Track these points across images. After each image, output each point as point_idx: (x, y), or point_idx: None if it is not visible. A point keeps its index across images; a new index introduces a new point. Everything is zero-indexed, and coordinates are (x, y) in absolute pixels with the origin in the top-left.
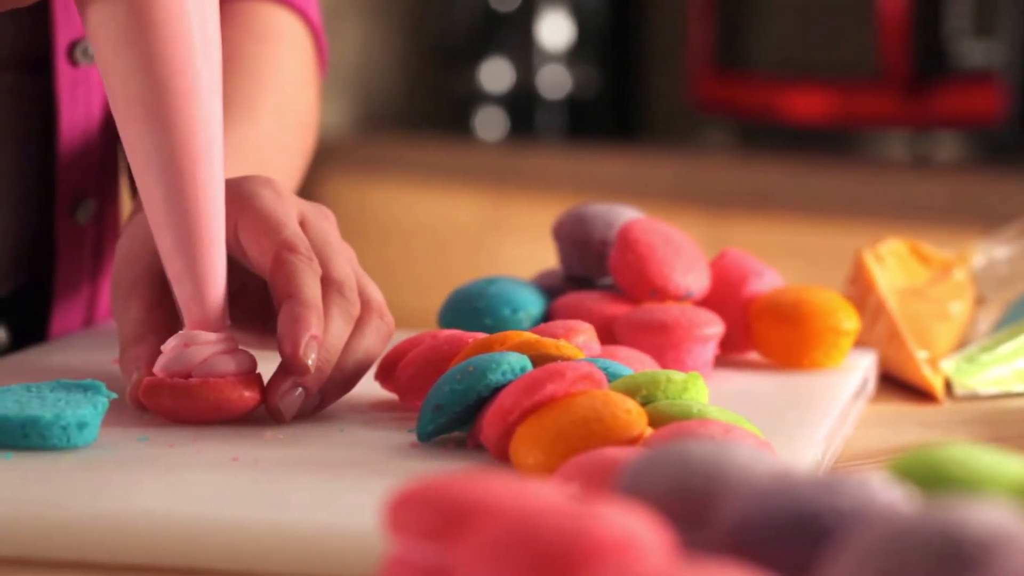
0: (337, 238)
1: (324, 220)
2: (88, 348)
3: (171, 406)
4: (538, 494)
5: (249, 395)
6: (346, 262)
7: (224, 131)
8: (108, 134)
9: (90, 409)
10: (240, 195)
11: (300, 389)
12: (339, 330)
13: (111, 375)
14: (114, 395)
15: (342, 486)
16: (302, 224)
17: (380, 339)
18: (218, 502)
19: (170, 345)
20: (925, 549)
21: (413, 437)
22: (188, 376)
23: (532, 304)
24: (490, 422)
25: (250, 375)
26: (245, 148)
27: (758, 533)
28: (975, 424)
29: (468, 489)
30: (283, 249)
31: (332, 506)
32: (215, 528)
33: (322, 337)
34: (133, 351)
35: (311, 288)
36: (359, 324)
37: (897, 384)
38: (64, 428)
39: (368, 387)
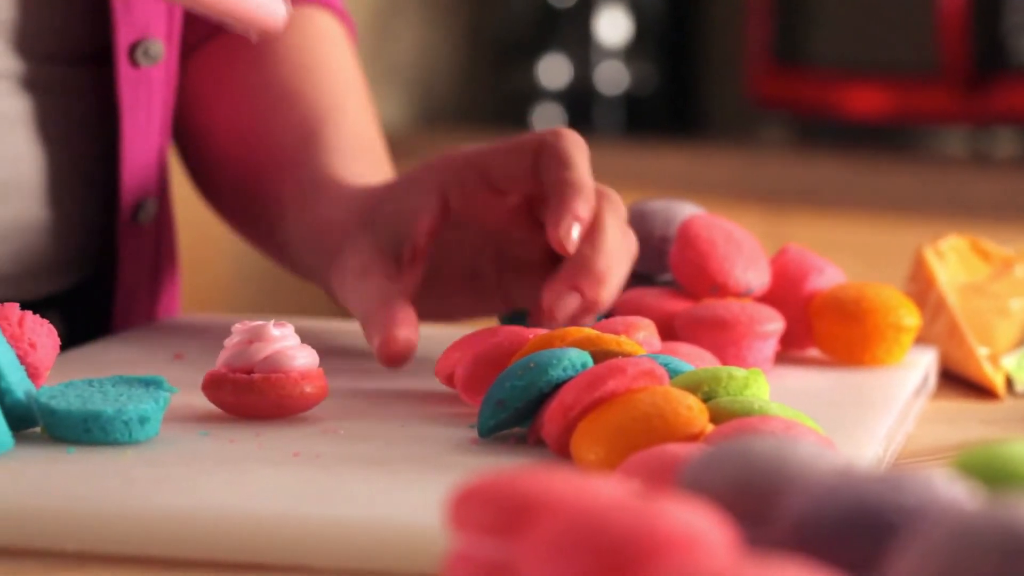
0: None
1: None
2: (149, 343)
3: (233, 401)
4: (601, 490)
5: (311, 391)
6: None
7: (332, 127)
8: (166, 135)
9: (152, 404)
10: (460, 151)
11: (577, 294)
12: (615, 236)
13: (172, 370)
14: (176, 390)
15: (403, 481)
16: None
17: (621, 226)
18: (279, 497)
19: (233, 341)
20: (989, 546)
21: (474, 433)
22: (251, 372)
23: None
24: (551, 418)
25: (312, 371)
26: (360, 136)
27: (822, 529)
28: None
29: (531, 485)
30: (549, 135)
31: (394, 501)
32: (276, 523)
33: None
34: (381, 315)
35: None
36: (599, 215)
37: (958, 380)
38: (126, 423)
39: (428, 383)
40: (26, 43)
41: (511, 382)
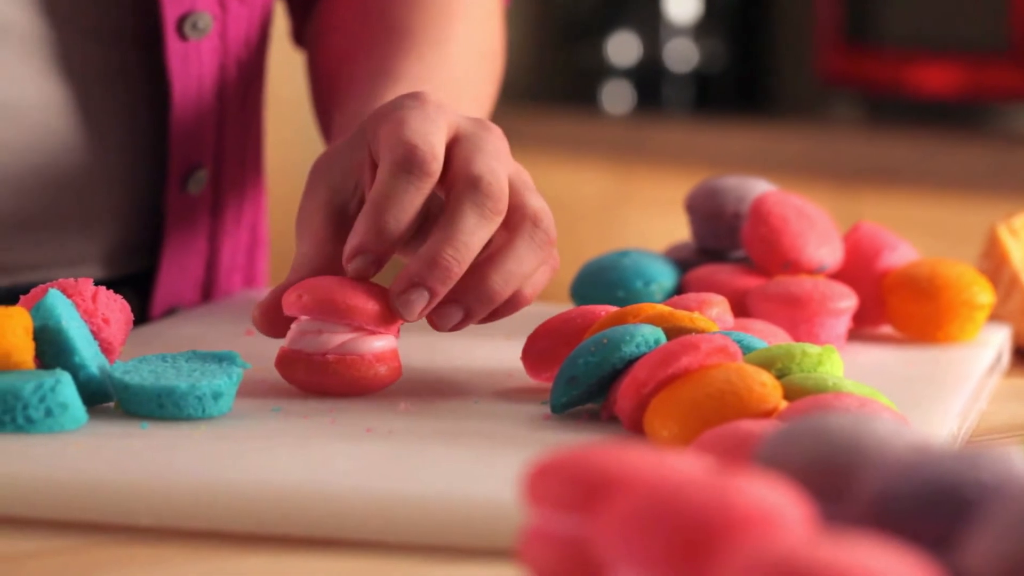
0: (494, 146)
1: (483, 130)
2: (223, 318)
3: (305, 380)
4: (677, 466)
5: (385, 372)
6: (495, 163)
7: (414, 60)
8: (221, 103)
9: (225, 379)
10: (384, 111)
11: (424, 290)
12: (469, 226)
13: (244, 346)
14: (248, 365)
15: (477, 457)
16: (455, 137)
17: (534, 250)
18: (353, 473)
19: (304, 328)
20: None
21: (546, 409)
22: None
23: (665, 276)
24: (624, 394)
25: (387, 351)
26: (434, 77)
27: (899, 506)
28: None
29: (607, 460)
30: (388, 151)
31: (468, 477)
32: (350, 499)
33: (373, 244)
34: (286, 281)
35: (390, 188)
36: (511, 234)
37: None
38: (199, 398)
39: (500, 359)
40: (70, 18)
41: (584, 358)
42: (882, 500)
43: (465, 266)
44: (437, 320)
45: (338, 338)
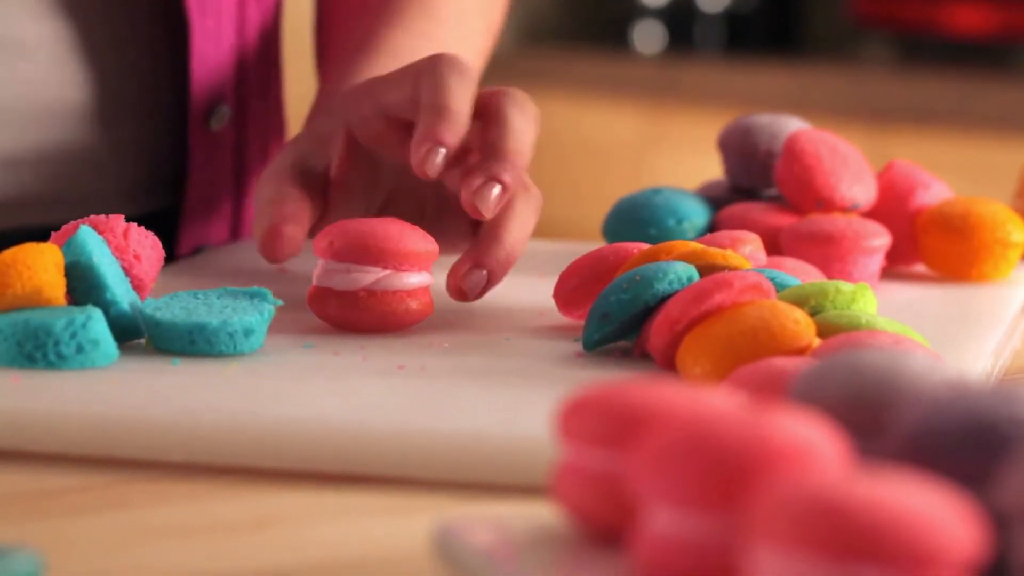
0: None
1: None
2: (254, 256)
3: (337, 315)
4: (711, 402)
5: (416, 307)
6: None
7: (398, 31)
8: (241, 38)
9: (256, 316)
10: (360, 87)
11: (484, 271)
12: (520, 125)
13: (275, 283)
14: (280, 302)
15: (510, 394)
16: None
17: (531, 210)
18: (386, 409)
19: (331, 267)
20: None
21: (578, 346)
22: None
23: (697, 215)
24: (657, 331)
25: (419, 287)
26: (418, 48)
27: (935, 442)
28: None
29: (641, 396)
30: (428, 63)
31: (500, 414)
32: (383, 435)
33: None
34: (268, 208)
35: (445, 82)
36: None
37: None
38: (231, 335)
39: (531, 297)
40: None
41: (616, 296)
42: (917, 436)
43: (526, 159)
44: (466, 287)
45: (369, 276)
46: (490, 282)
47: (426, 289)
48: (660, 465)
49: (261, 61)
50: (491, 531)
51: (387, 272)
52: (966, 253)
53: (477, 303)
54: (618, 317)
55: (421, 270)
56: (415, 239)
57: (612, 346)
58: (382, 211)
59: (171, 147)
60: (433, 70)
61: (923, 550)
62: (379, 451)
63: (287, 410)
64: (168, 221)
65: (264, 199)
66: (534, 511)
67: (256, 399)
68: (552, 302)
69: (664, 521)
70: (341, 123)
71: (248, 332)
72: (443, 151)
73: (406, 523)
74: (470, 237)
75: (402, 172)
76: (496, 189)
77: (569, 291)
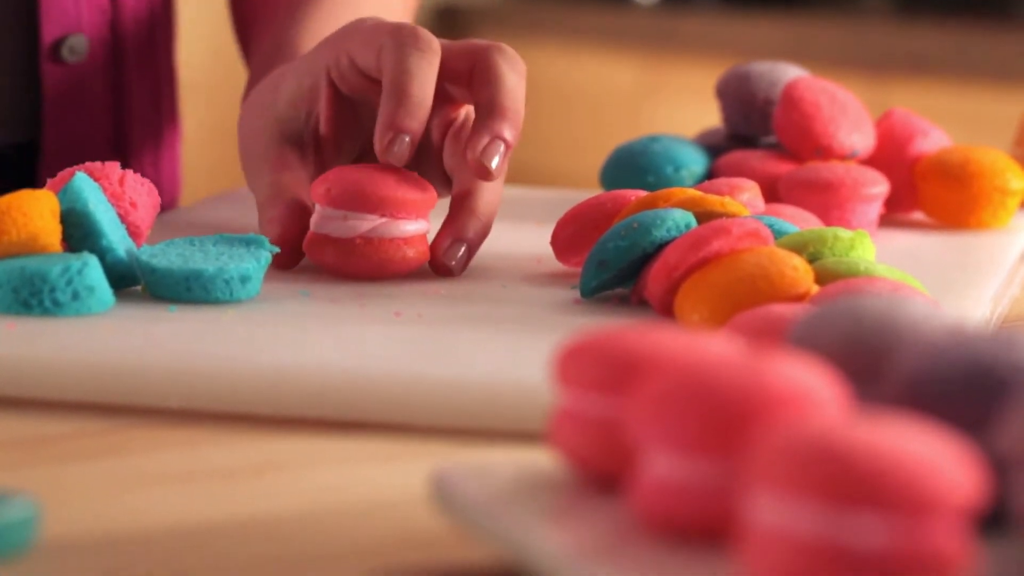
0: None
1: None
2: (251, 204)
3: (334, 262)
4: (710, 347)
5: (413, 256)
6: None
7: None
8: None
9: (253, 263)
10: (337, 35)
11: (464, 245)
12: (512, 80)
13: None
14: (276, 249)
15: (507, 341)
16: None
17: (502, 171)
18: (383, 356)
19: (328, 214)
20: None
21: (575, 294)
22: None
23: (695, 162)
24: (655, 278)
25: (416, 235)
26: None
27: (934, 387)
28: None
29: (639, 342)
30: (390, 36)
31: (497, 360)
32: (381, 382)
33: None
34: (268, 212)
35: (406, 65)
36: None
37: None
38: (227, 281)
39: (528, 244)
40: None
41: (614, 242)
42: (916, 381)
43: (522, 117)
44: (449, 263)
45: (366, 224)
46: (470, 254)
47: (423, 237)
48: (658, 410)
49: None
50: (488, 478)
51: (384, 220)
52: (965, 201)
53: None
54: (615, 264)
55: (418, 218)
56: (412, 187)
57: (609, 293)
58: (361, 157)
59: (25, 79)
60: (395, 47)
61: (923, 495)
62: (376, 398)
63: (284, 357)
64: (29, 155)
65: (265, 182)
66: (532, 458)
67: (253, 346)
68: (549, 249)
69: (662, 466)
70: (323, 77)
71: (244, 279)
72: (407, 139)
73: (403, 470)
74: (448, 184)
75: None
76: (500, 149)
77: (566, 238)
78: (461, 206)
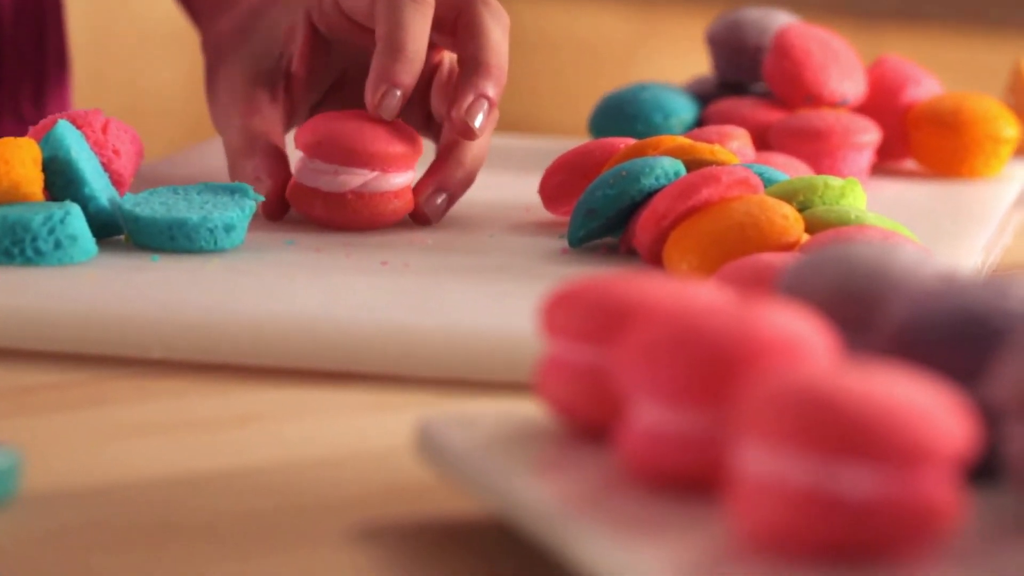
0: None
1: None
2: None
3: (324, 216)
4: (699, 295)
5: (400, 206)
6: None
7: None
8: None
9: (237, 212)
10: None
11: (445, 194)
12: (497, 35)
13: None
14: (261, 197)
15: (494, 290)
16: None
17: (489, 123)
18: (369, 306)
19: (317, 167)
20: None
21: (563, 243)
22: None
23: (684, 110)
24: (643, 227)
25: (404, 187)
26: None
27: (925, 335)
28: None
29: (627, 290)
30: None
31: (485, 310)
32: (367, 331)
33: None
34: (249, 162)
35: (399, 16)
36: None
37: None
38: (211, 230)
39: (516, 193)
40: None
41: (602, 191)
42: (907, 329)
43: (505, 73)
44: (428, 211)
45: (357, 179)
46: (450, 203)
47: (409, 187)
48: (647, 358)
49: None
50: (473, 428)
51: (375, 174)
52: (957, 149)
53: (462, 200)
54: (604, 213)
55: (407, 170)
56: (403, 140)
57: (598, 242)
58: (332, 92)
59: None
60: (473, 11)
61: (913, 445)
62: (362, 348)
63: (269, 307)
64: None
65: (236, 127)
66: (519, 408)
67: (237, 296)
68: (537, 198)
69: (650, 416)
70: (303, 16)
71: (229, 228)
72: (399, 93)
73: (390, 420)
74: (428, 127)
75: (356, 57)
76: (484, 107)
77: (554, 187)
78: (448, 156)
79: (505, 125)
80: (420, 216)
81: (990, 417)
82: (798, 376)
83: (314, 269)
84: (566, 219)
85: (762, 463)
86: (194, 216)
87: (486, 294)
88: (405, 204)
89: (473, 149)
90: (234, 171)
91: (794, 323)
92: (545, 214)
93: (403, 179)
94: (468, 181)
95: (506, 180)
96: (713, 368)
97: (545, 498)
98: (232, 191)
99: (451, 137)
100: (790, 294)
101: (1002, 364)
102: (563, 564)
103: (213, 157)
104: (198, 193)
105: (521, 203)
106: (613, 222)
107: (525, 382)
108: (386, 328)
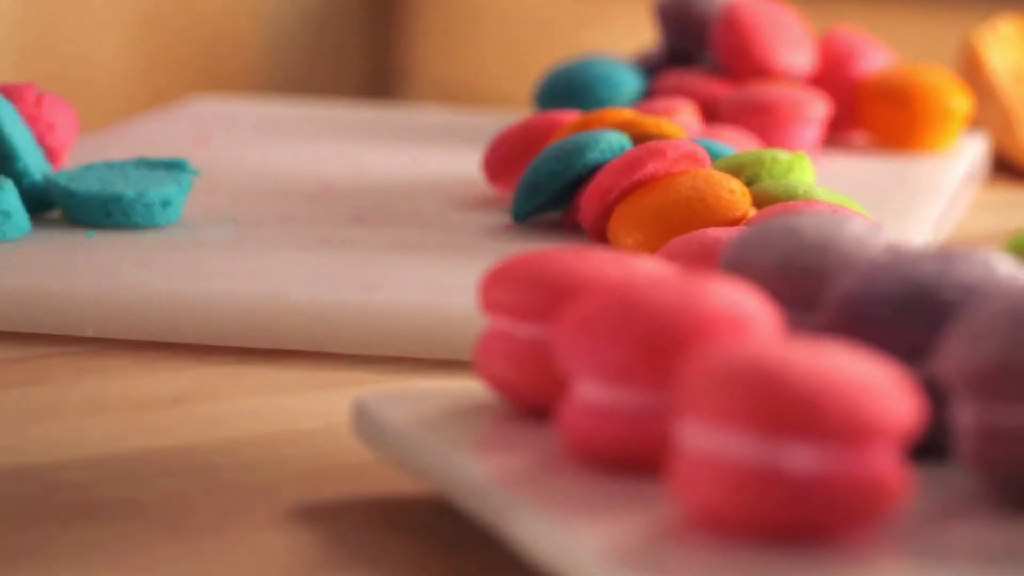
0: None
1: None
2: (174, 125)
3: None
4: (641, 271)
5: None
6: None
7: None
8: None
9: (174, 187)
10: None
11: None
12: None
13: (194, 153)
14: (198, 172)
15: (436, 267)
16: None
17: None
18: (309, 283)
19: None
20: None
21: (507, 218)
22: None
23: (631, 83)
24: (588, 202)
25: None
26: None
27: (872, 309)
28: None
29: (567, 265)
30: None
31: (426, 287)
32: (307, 308)
33: None
34: None
35: None
36: None
37: (1009, 170)
38: (147, 206)
39: (458, 168)
40: None
41: (547, 165)
42: (852, 302)
43: None
44: None
45: None
46: None
47: None
48: (586, 335)
49: None
50: (410, 406)
51: None
52: (908, 122)
53: (401, 173)
54: (548, 187)
55: None
56: None
57: (542, 217)
58: None
59: None
60: None
61: (858, 422)
62: (301, 325)
63: (206, 284)
64: None
65: None
66: (459, 386)
67: (174, 272)
68: (480, 173)
69: (591, 393)
70: None
71: (166, 203)
72: None
73: (328, 399)
74: None
75: None
76: None
77: (498, 161)
78: None
79: (449, 96)
80: None
81: (937, 393)
82: (740, 352)
83: (253, 245)
84: (509, 194)
85: (703, 440)
86: (130, 191)
87: (427, 270)
88: None
89: None
90: None
91: (738, 298)
92: (488, 189)
93: None
94: None
95: (449, 154)
96: (654, 342)
97: (483, 476)
98: (169, 166)
99: None
100: (734, 269)
101: (949, 340)
102: (502, 543)
103: (150, 131)
104: (135, 168)
105: (463, 177)
106: (557, 197)
107: (466, 360)
108: (325, 305)
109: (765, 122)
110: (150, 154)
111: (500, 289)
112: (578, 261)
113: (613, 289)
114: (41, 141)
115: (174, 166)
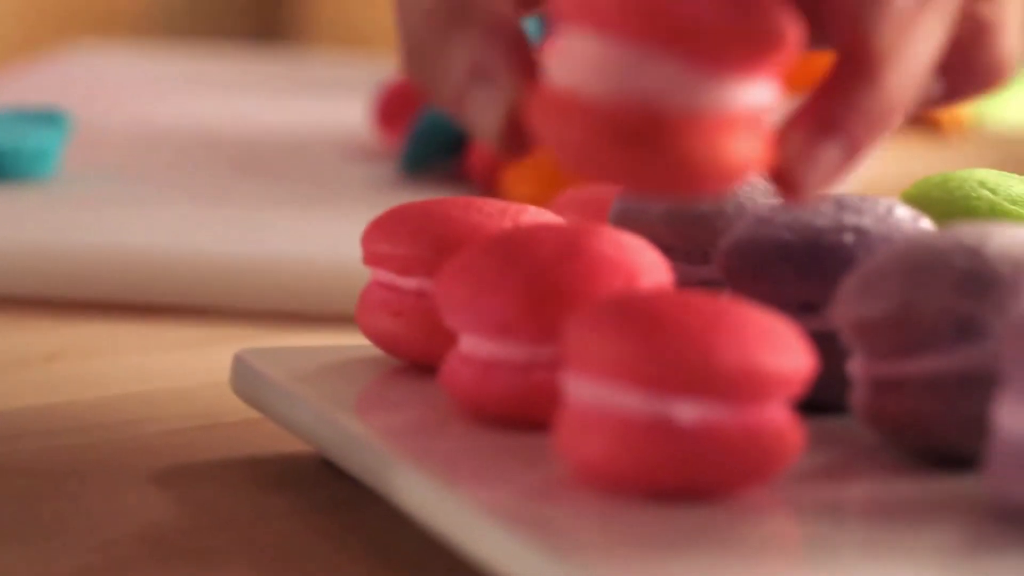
0: None
1: None
2: (49, 77)
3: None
4: (529, 220)
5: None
6: None
7: None
8: None
9: (49, 138)
10: None
11: (840, 142)
12: None
13: (75, 103)
14: (74, 123)
15: (320, 219)
16: None
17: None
18: (193, 236)
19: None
20: (950, 265)
21: (396, 169)
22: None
23: (530, 25)
24: (478, 152)
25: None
26: None
27: (764, 255)
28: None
29: (452, 215)
30: None
31: (310, 239)
32: (192, 262)
33: None
34: (463, 39)
35: None
36: None
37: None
38: (21, 158)
39: (345, 119)
40: None
41: (437, 115)
42: (743, 247)
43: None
44: (805, 173)
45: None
46: (851, 158)
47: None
48: (466, 288)
49: None
50: (290, 362)
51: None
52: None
53: (288, 123)
54: (438, 138)
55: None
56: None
57: (432, 168)
58: None
59: None
60: None
61: (748, 376)
62: (182, 279)
63: (84, 237)
64: None
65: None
66: (341, 341)
67: (51, 226)
68: (369, 122)
69: (474, 347)
70: None
71: (41, 155)
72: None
73: (209, 355)
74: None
75: None
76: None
77: (387, 110)
78: (852, 67)
79: (337, 39)
80: (789, 188)
81: (829, 345)
82: (627, 304)
83: (133, 199)
84: (399, 144)
85: (590, 395)
86: (5, 143)
87: (311, 224)
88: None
89: (908, 61)
90: (429, 62)
91: (626, 249)
92: (377, 139)
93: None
94: (888, 117)
95: (335, 102)
96: (537, 295)
97: (365, 434)
98: (46, 119)
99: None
100: (623, 220)
101: (841, 290)
102: (384, 500)
103: (23, 82)
104: (8, 119)
105: (351, 127)
106: (448, 147)
107: (350, 315)
108: (206, 259)
109: None
110: (24, 104)
111: (382, 241)
112: (463, 212)
113: (495, 239)
114: None
115: (52, 118)
